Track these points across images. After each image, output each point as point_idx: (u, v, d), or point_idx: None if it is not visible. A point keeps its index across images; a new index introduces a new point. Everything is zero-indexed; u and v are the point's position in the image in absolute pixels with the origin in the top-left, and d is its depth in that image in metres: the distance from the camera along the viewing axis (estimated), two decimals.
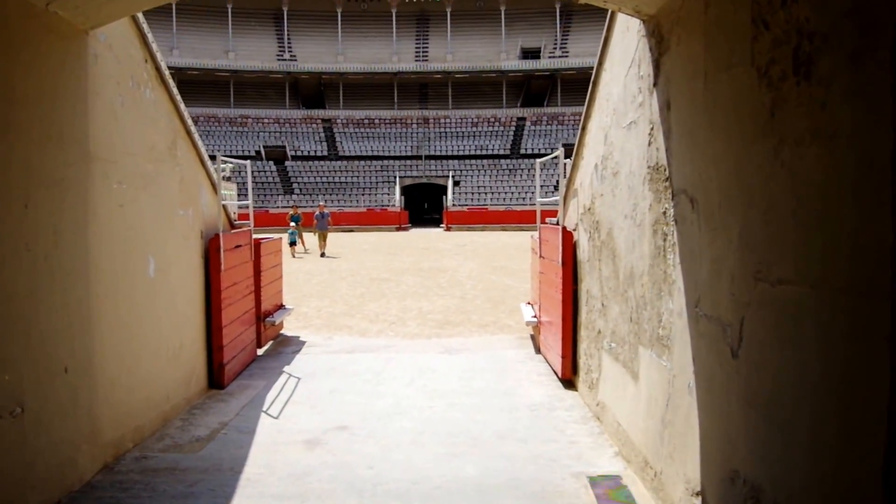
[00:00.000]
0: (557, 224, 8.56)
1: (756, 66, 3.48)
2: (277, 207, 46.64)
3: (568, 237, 8.01)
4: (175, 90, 7.73)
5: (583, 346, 7.71)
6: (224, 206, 9.15)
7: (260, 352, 10.13)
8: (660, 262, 5.13)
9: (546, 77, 61.22)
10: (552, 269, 8.52)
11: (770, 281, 3.36)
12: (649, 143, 5.37)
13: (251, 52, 60.45)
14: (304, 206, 36.75)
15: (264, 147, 55.20)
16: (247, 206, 10.51)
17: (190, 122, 8.02)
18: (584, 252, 7.65)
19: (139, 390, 6.52)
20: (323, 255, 26.79)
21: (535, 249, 10.01)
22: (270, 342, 10.77)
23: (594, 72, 7.07)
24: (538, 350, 9.76)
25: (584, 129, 7.59)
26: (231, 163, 9.71)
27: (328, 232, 27.82)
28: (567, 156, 8.48)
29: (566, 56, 60.29)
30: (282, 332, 11.52)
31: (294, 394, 8.02)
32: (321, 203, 29.55)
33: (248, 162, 9.93)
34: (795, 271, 3.12)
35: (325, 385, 8.34)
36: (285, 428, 6.81)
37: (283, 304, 11.67)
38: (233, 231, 9.15)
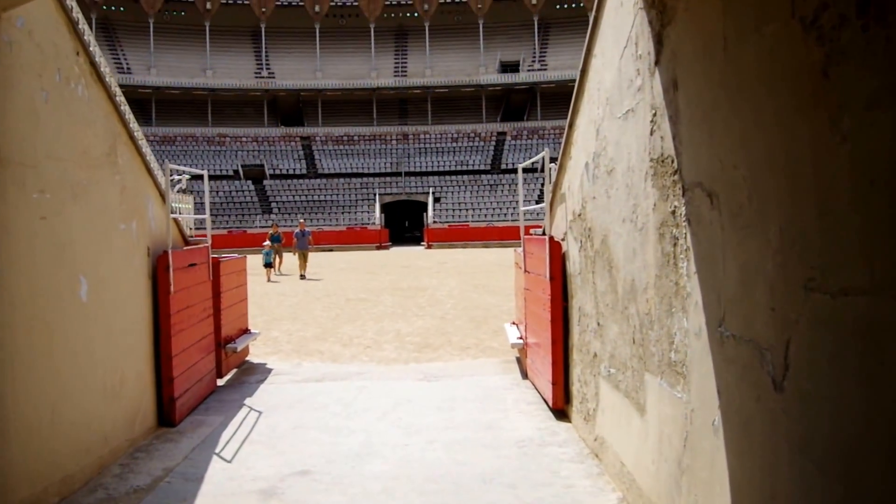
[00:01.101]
0: (543, 234, 7.74)
1: (799, 16, 2.70)
2: (256, 227, 45.68)
3: (555, 248, 7.18)
4: (116, 90, 6.90)
5: (576, 372, 6.87)
6: (176, 221, 8.28)
7: (220, 382, 9.24)
8: (669, 271, 4.33)
9: (525, 91, 60.54)
10: (538, 284, 7.68)
11: (829, 291, 2.56)
12: (651, 132, 4.58)
13: (229, 70, 59.62)
14: (283, 226, 35.59)
15: (242, 166, 54.25)
16: (217, 224, 9.61)
17: (134, 125, 7.18)
18: (574, 264, 6.83)
19: (67, 434, 5.65)
20: (303, 276, 25.13)
21: (519, 264, 9.18)
22: (234, 371, 9.88)
23: (582, 59, 6.28)
24: (525, 375, 8.91)
25: (571, 125, 6.78)
26: (183, 172, 8.84)
27: (309, 252, 26.08)
28: (552, 162, 7.67)
29: (545, 69, 59.66)
30: (247, 358, 10.62)
31: (253, 431, 7.15)
32: (301, 221, 27.89)
33: (204, 172, 9.05)
34: (871, 278, 2.32)
35: (289, 420, 7.46)
36: (238, 474, 5.94)
37: (249, 328, 10.77)
38: (187, 248, 8.28)
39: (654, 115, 4.52)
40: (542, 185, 43.58)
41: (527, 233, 8.83)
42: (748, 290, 3.22)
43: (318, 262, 25.69)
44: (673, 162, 4.23)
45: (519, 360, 9.72)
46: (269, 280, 24.14)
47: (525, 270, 8.54)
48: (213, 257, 8.98)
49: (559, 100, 56.05)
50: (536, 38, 61.11)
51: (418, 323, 14.00)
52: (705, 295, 3.77)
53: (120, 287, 6.71)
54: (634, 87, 4.90)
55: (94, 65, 6.37)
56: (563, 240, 7.22)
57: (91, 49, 6.39)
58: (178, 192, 13.02)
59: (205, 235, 9.34)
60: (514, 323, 10.31)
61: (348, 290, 20.80)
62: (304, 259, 25.51)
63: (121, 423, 6.58)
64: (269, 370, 9.93)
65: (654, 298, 4.64)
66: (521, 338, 9.11)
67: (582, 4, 59.11)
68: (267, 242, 25.88)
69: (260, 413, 7.76)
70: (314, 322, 14.35)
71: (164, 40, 59.35)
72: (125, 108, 6.98)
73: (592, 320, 6.24)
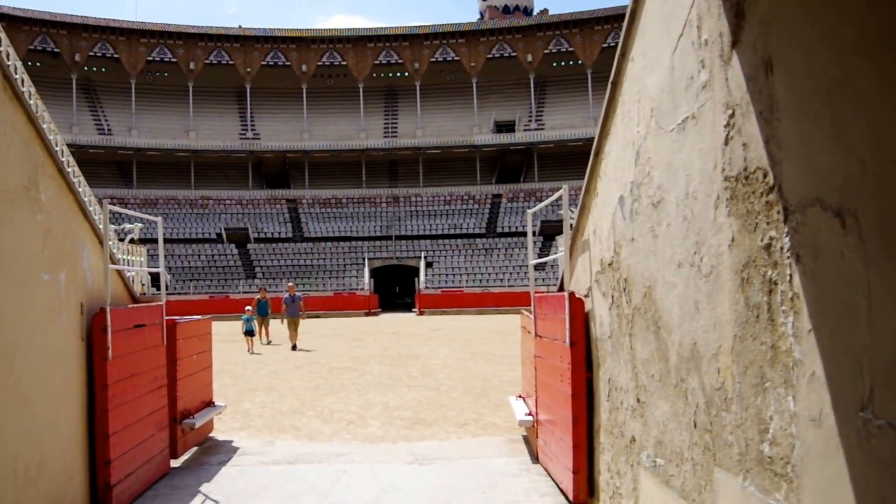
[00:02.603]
0: (561, 291, 6.49)
1: None
2: (238, 293, 44.20)
3: (577, 306, 5.92)
4: (44, 114, 5.69)
5: (604, 459, 5.55)
6: (120, 273, 7.01)
7: (175, 463, 7.88)
8: (759, 330, 3.10)
9: (521, 151, 59.76)
10: (554, 351, 6.40)
11: None
12: (727, 140, 3.40)
13: (213, 132, 58.91)
14: (268, 292, 33.87)
15: (225, 229, 52.99)
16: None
17: (65, 157, 5.95)
18: (602, 325, 5.56)
19: None
20: (294, 347, 22.03)
21: (528, 327, 7.90)
22: (193, 449, 8.51)
23: (614, 69, 5.14)
24: (536, 458, 7.55)
25: (597, 154, 5.60)
26: (133, 217, 7.61)
27: (300, 319, 22.85)
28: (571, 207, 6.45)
29: (542, 129, 59.01)
30: (210, 435, 9.23)
31: None
32: (290, 285, 24.76)
33: (159, 219, 7.79)
34: None
35: None
36: None
37: (213, 400, 9.39)
38: (133, 305, 6.99)
39: (732, 115, 3.34)
40: (548, 241, 41.72)
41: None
42: None
43: (302, 329, 23.52)
44: (766, 176, 3.03)
45: (527, 439, 8.38)
46: (250, 351, 21.37)
47: (536, 335, 7.25)
48: (168, 319, 7.68)
49: (557, 160, 55.41)
50: (532, 97, 60.77)
51: (410, 395, 12.61)
52: (831, 363, 2.56)
53: (41, 351, 5.45)
54: (696, 86, 3.73)
55: (8, 79, 5.19)
56: (586, 296, 5.97)
57: (7, 62, 5.22)
58: (129, 242, 11.90)
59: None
60: (520, 396, 8.97)
61: (332, 357, 19.36)
62: (294, 327, 22.50)
63: None
64: (235, 449, 8.56)
65: (731, 368, 3.41)
66: (530, 414, 7.78)
67: (580, 62, 58.95)
68: (248, 308, 23.24)
69: None
70: (292, 393, 12.93)
71: (146, 101, 58.88)
72: (56, 136, 5.79)
73: (629, 396, 4.97)
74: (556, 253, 42.12)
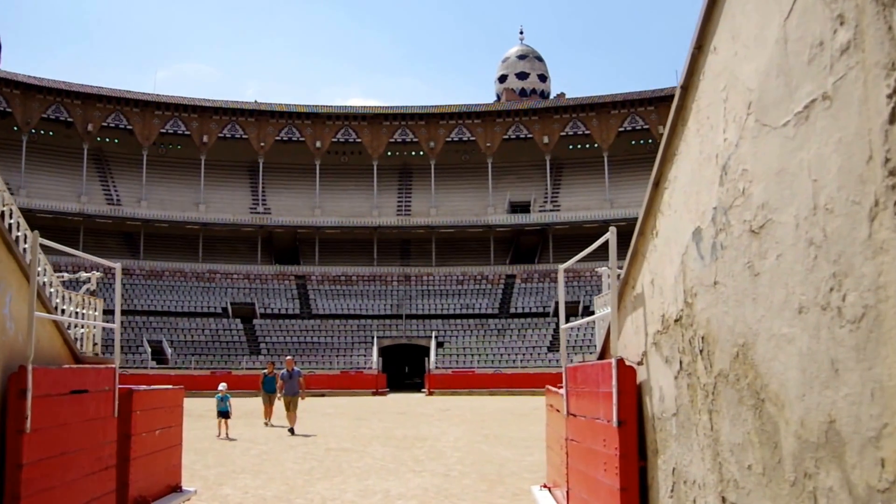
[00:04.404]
0: (602, 359, 5.20)
1: None
2: (242, 369, 42.77)
3: (628, 376, 4.63)
4: None
5: None
6: (58, 326, 5.73)
7: None
8: None
9: (536, 232, 59.17)
10: (595, 432, 5.08)
11: None
12: (894, 116, 2.18)
13: (223, 205, 58.50)
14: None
15: (231, 303, 52.13)
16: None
17: None
18: (663, 400, 4.26)
19: None
20: (292, 431, 19.08)
21: (557, 406, 6.58)
22: None
23: (685, 69, 3.95)
24: None
25: (657, 184, 4.39)
26: (93, 262, 6.38)
27: (299, 398, 19.99)
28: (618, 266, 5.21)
29: (557, 210, 58.64)
30: None
31: None
32: (289, 358, 22.17)
33: (118, 265, 6.58)
34: None
35: None
36: None
37: (181, 484, 8.02)
38: (73, 367, 5.71)
39: None
40: (557, 330, 40.43)
41: (553, 384, 6.29)
42: None
43: (302, 407, 21.03)
44: None
45: None
46: (219, 435, 18.01)
47: (568, 413, 5.93)
48: (123, 387, 6.37)
49: (572, 242, 54.56)
50: (548, 178, 60.52)
51: (415, 481, 11.12)
52: None
53: None
54: (831, 53, 2.51)
55: None
56: (639, 363, 4.68)
57: None
58: (85, 292, 10.73)
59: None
60: (545, 486, 7.59)
61: (330, 437, 17.84)
62: (292, 407, 19.61)
63: None
64: None
65: None
66: None
67: (596, 145, 58.62)
68: (223, 385, 19.43)
69: None
70: (281, 477, 11.44)
71: (157, 173, 58.79)
72: None
73: (707, 493, 3.66)
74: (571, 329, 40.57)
